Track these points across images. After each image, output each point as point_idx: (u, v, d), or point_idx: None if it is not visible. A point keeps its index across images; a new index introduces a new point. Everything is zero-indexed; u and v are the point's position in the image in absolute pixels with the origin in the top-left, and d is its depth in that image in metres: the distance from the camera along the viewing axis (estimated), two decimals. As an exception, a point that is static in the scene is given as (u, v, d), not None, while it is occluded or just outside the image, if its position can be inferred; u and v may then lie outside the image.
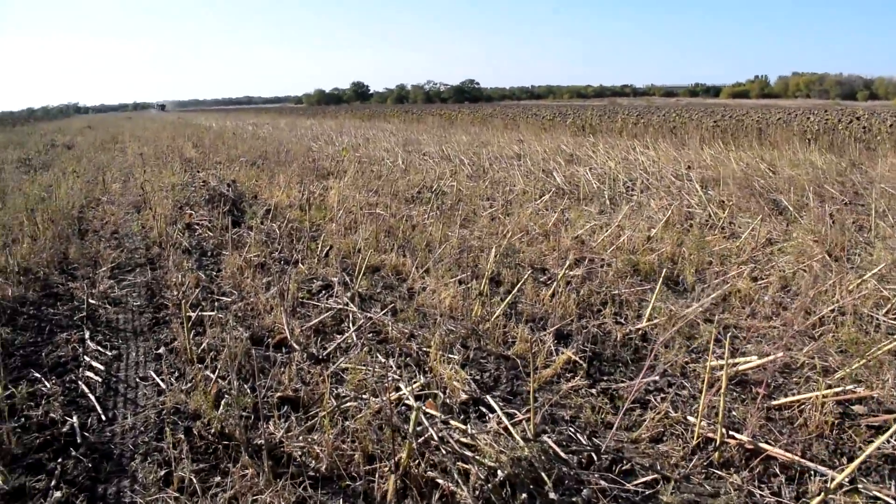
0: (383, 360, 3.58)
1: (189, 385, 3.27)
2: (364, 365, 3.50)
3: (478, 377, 3.44)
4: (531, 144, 16.43)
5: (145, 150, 16.54)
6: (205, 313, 4.23)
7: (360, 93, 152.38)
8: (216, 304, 4.53)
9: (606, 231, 6.45)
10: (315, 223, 7.20)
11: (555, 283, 4.63)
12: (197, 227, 6.97)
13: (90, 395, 3.23)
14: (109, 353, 3.74)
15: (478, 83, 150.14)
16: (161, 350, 3.74)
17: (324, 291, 4.79)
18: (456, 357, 3.57)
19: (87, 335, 3.98)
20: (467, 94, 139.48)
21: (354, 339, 3.83)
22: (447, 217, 7.51)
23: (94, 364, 3.56)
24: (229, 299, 4.63)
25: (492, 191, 9.32)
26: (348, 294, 4.56)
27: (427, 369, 3.50)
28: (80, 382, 3.35)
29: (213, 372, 3.37)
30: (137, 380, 3.43)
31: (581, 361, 3.58)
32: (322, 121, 35.04)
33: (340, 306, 4.36)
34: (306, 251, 5.79)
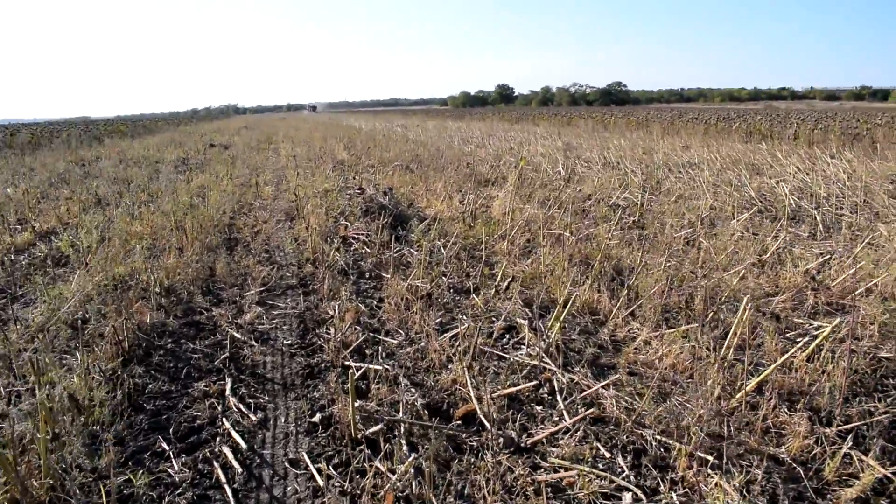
0: (606, 454, 2.59)
1: (352, 485, 2.41)
2: (581, 460, 2.53)
3: (743, 487, 2.38)
4: (699, 151, 14.95)
5: (298, 152, 16.34)
6: (369, 366, 3.38)
7: (504, 95, 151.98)
8: (380, 347, 3.69)
9: (838, 264, 5.18)
10: (482, 240, 6.31)
11: (812, 344, 3.44)
12: (353, 241, 6.24)
13: (226, 487, 2.43)
14: (254, 418, 2.96)
15: (625, 85, 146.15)
16: (317, 418, 2.90)
17: (508, 336, 3.85)
18: (710, 458, 2.53)
19: (228, 386, 3.23)
20: (614, 97, 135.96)
21: (566, 417, 2.86)
22: (633, 237, 6.43)
23: (235, 435, 2.78)
24: (395, 341, 3.78)
25: (675, 206, 8.13)
26: (542, 343, 3.60)
27: (673, 475, 2.48)
28: (215, 465, 2.56)
29: (384, 460, 2.50)
30: (286, 464, 2.60)
31: (893, 477, 2.45)
32: (469, 123, 34.47)
33: (534, 361, 3.41)
34: (480, 279, 4.89)
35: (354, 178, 10.64)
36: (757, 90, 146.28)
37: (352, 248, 6.05)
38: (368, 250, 5.89)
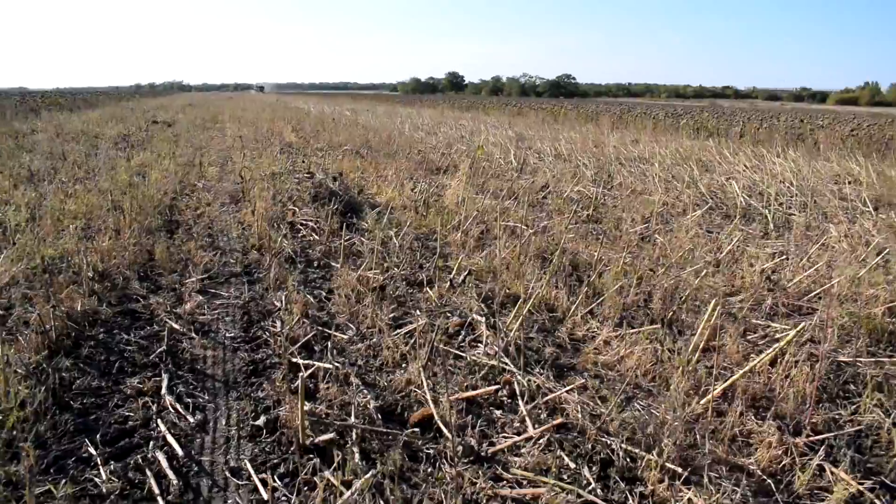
0: (571, 464, 2.46)
1: (300, 499, 2.22)
2: (545, 471, 2.39)
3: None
4: (649, 146, 15.02)
5: (244, 132, 15.89)
6: (317, 364, 3.18)
7: (454, 83, 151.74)
8: (329, 342, 3.49)
9: (793, 265, 5.17)
10: (435, 231, 6.13)
11: (775, 348, 3.35)
12: (301, 227, 6.00)
13: (159, 499, 2.21)
14: (192, 420, 2.72)
15: (574, 78, 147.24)
16: (261, 421, 2.69)
17: (464, 333, 3.69)
18: (681, 471, 2.41)
19: (164, 383, 2.99)
20: (563, 89, 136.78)
21: (528, 424, 2.71)
22: (588, 231, 6.34)
23: (170, 439, 2.55)
24: (346, 336, 3.58)
25: (628, 200, 8.08)
26: (500, 342, 3.45)
27: (642, 489, 2.35)
28: (148, 473, 2.34)
29: (336, 471, 2.31)
30: (227, 473, 2.39)
31: (866, 492, 2.37)
32: (420, 109, 34.14)
33: (493, 362, 3.25)
34: (434, 271, 4.71)
35: (303, 162, 10.34)
36: (702, 87, 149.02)
37: (299, 235, 5.81)
38: (317, 238, 5.66)
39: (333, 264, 4.99)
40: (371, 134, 15.80)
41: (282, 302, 3.94)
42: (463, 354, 3.37)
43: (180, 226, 6.13)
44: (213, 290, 4.35)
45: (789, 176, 10.28)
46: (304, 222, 6.04)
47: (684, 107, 48.71)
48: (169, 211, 6.69)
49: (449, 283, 4.37)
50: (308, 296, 4.15)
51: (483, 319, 3.70)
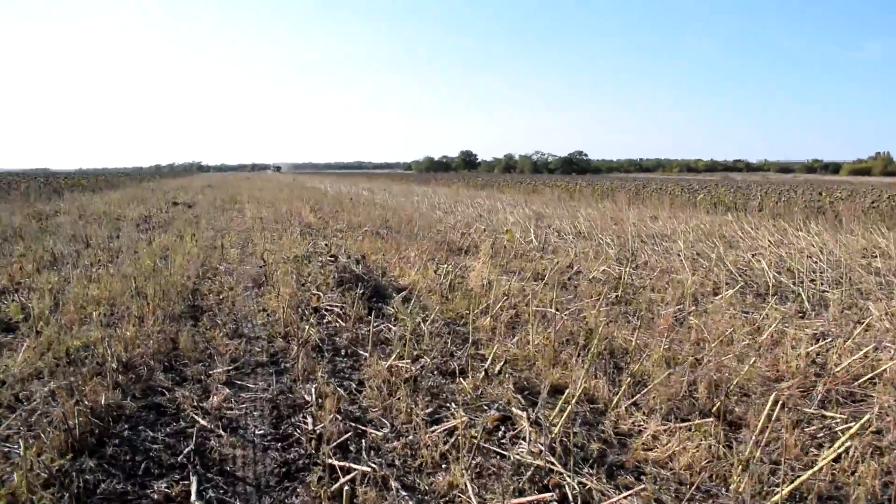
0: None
1: None
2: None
3: None
4: (668, 222, 14.98)
5: (264, 213, 15.99)
6: (354, 466, 3.01)
7: (468, 161, 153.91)
8: (364, 441, 3.33)
9: (838, 347, 4.99)
10: (462, 315, 6.01)
11: (839, 443, 3.16)
12: (326, 312, 5.89)
13: None
14: (223, 532, 2.57)
15: (586, 154, 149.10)
16: (296, 533, 2.53)
17: (503, 428, 3.52)
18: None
19: (194, 487, 2.83)
20: (575, 165, 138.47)
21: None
22: (617, 314, 6.20)
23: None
24: (380, 433, 3.42)
25: (656, 280, 7.95)
26: (543, 439, 3.27)
27: None
28: None
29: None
30: None
31: None
32: (435, 188, 34.52)
33: (538, 461, 3.08)
34: (466, 360, 4.57)
35: (324, 243, 10.32)
36: (713, 161, 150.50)
37: (325, 322, 5.69)
38: (343, 324, 5.55)
39: (361, 353, 4.86)
40: (389, 214, 15.87)
41: (312, 396, 3.80)
42: (505, 453, 3.19)
43: (204, 312, 6.03)
44: (239, 382, 4.21)
45: (815, 251, 10.15)
46: (329, 308, 5.94)
47: (697, 181, 49.05)
48: (192, 296, 6.62)
49: (484, 373, 4.22)
50: (338, 388, 4.01)
51: (524, 414, 3.53)
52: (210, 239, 11.02)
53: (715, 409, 3.81)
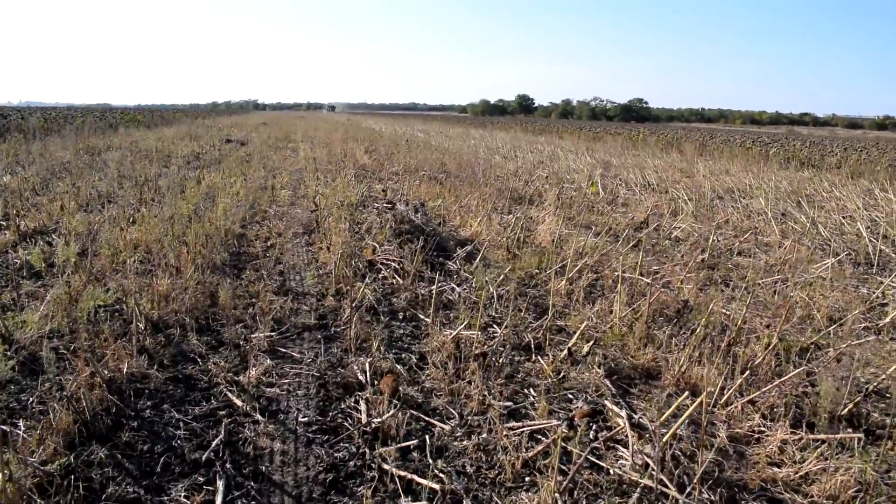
0: None
1: None
2: None
3: None
4: (741, 176, 13.99)
5: (317, 153, 15.41)
6: (417, 479, 2.42)
7: (524, 105, 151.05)
8: (428, 439, 2.73)
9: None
10: (532, 275, 5.36)
11: None
12: (381, 266, 5.30)
13: None
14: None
15: (646, 102, 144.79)
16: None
17: (594, 425, 2.89)
18: None
19: (219, 497, 2.28)
20: (634, 113, 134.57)
21: None
22: (706, 280, 5.48)
23: None
24: (447, 427, 2.82)
25: (742, 241, 7.16)
26: (648, 449, 2.63)
27: None
28: None
29: None
30: None
31: None
32: (492, 132, 33.50)
33: (646, 481, 2.45)
34: (543, 333, 3.93)
35: (380, 187, 9.72)
36: (778, 114, 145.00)
37: (380, 277, 5.11)
38: (401, 281, 4.95)
39: (422, 317, 4.26)
40: (447, 157, 15.16)
41: (367, 375, 3.21)
42: (602, 464, 2.57)
43: (249, 261, 5.50)
44: (283, 350, 3.65)
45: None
46: (385, 262, 5.34)
47: (767, 134, 47.00)
48: (237, 242, 6.10)
49: (567, 352, 3.58)
50: (397, 364, 3.42)
51: (622, 413, 2.88)
52: (261, 179, 10.49)
53: (845, 412, 3.12)
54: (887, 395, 3.40)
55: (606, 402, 3.05)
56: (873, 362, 3.70)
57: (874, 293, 5.28)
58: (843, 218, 8.90)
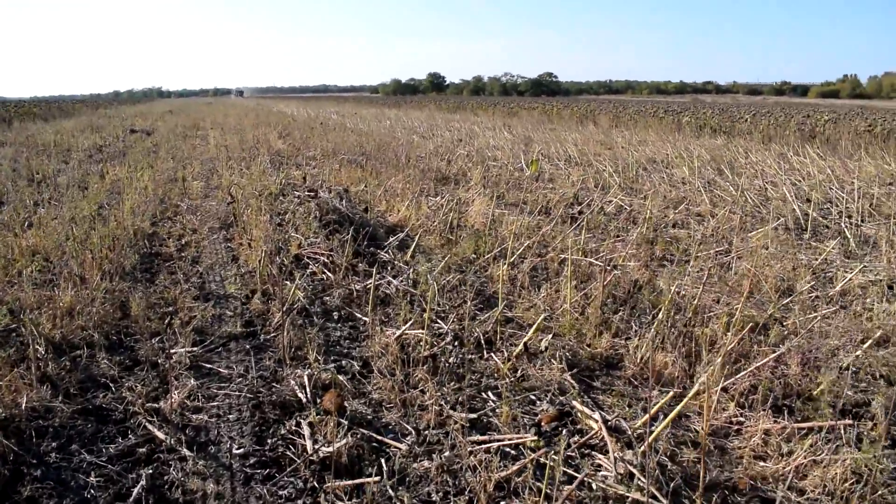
0: None
1: None
2: None
3: None
4: (659, 146, 14.08)
5: (229, 141, 14.71)
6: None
7: (436, 83, 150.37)
8: (384, 462, 2.41)
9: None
10: (469, 260, 5.09)
11: None
12: (309, 261, 4.93)
13: None
14: None
15: (556, 76, 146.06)
16: None
17: (563, 430, 2.63)
18: None
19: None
20: (545, 87, 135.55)
21: None
22: (647, 256, 5.32)
23: None
24: (403, 447, 2.51)
25: (676, 213, 7.07)
26: (629, 453, 2.39)
27: None
28: None
29: None
30: None
31: None
32: (407, 111, 33.08)
33: (634, 494, 2.20)
34: (493, 327, 3.65)
35: (298, 173, 9.25)
36: (682, 83, 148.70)
37: (308, 273, 4.73)
38: (332, 276, 4.59)
39: (359, 315, 3.93)
40: (364, 139, 14.70)
41: (305, 391, 2.86)
42: (582, 477, 2.30)
43: (163, 262, 5.04)
44: (208, 366, 3.25)
45: (825, 178, 9.31)
46: (313, 255, 4.96)
47: (674, 103, 48.02)
48: (148, 242, 5.60)
49: (523, 346, 3.31)
50: (338, 374, 3.08)
51: (596, 416, 2.62)
52: (170, 171, 9.86)
53: (817, 392, 2.96)
54: (859, 372, 3.26)
55: (574, 402, 2.79)
56: (834, 336, 3.57)
57: (815, 261, 5.22)
58: (766, 184, 8.95)
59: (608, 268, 4.20)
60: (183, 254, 5.27)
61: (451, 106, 39.73)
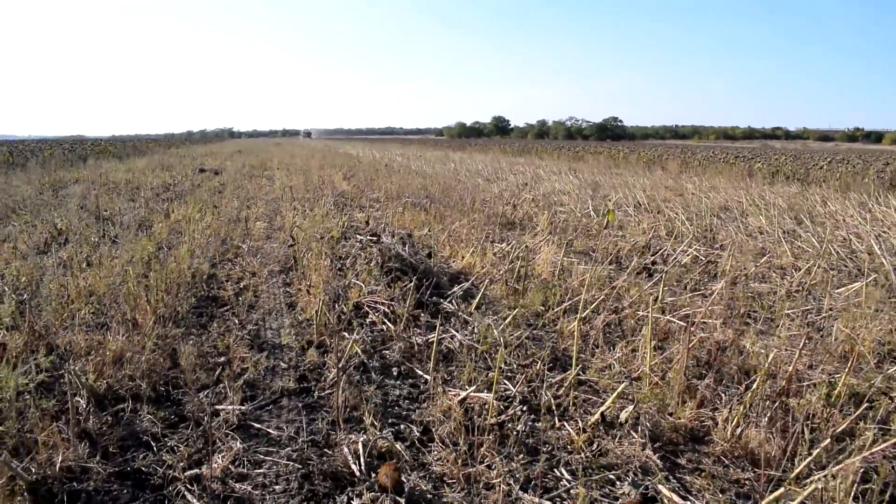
0: None
1: None
2: None
3: None
4: (731, 193, 13.57)
5: (294, 181, 14.77)
6: None
7: (500, 127, 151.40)
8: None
9: None
10: (537, 313, 4.78)
11: None
12: (369, 310, 4.69)
13: None
14: None
15: (621, 120, 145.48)
16: None
17: (649, 520, 2.29)
18: None
19: None
20: (609, 132, 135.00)
21: None
22: (728, 313, 4.92)
23: None
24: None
25: (756, 266, 6.62)
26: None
27: None
28: None
29: None
30: None
31: None
32: (471, 154, 33.09)
33: None
34: (566, 391, 3.33)
35: (361, 216, 9.13)
36: (751, 129, 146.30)
37: (367, 322, 4.50)
38: (392, 328, 4.34)
39: (420, 372, 3.66)
40: (429, 182, 14.57)
41: (359, 461, 2.59)
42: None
43: (219, 307, 4.87)
44: (256, 426, 3.01)
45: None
46: (373, 305, 4.73)
47: (743, 148, 47.07)
48: (206, 284, 5.46)
49: (600, 416, 2.98)
50: (396, 442, 2.80)
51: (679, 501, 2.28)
52: (234, 211, 9.85)
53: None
54: None
55: (661, 486, 2.45)
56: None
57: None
58: (850, 235, 8.43)
59: (692, 328, 3.83)
60: (240, 298, 5.10)
61: (516, 149, 39.66)
